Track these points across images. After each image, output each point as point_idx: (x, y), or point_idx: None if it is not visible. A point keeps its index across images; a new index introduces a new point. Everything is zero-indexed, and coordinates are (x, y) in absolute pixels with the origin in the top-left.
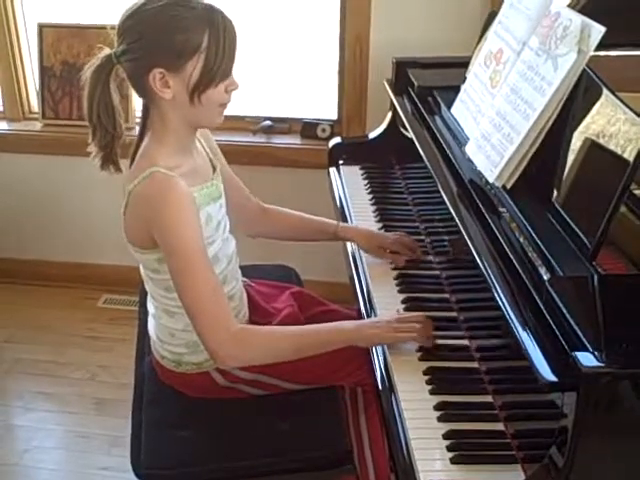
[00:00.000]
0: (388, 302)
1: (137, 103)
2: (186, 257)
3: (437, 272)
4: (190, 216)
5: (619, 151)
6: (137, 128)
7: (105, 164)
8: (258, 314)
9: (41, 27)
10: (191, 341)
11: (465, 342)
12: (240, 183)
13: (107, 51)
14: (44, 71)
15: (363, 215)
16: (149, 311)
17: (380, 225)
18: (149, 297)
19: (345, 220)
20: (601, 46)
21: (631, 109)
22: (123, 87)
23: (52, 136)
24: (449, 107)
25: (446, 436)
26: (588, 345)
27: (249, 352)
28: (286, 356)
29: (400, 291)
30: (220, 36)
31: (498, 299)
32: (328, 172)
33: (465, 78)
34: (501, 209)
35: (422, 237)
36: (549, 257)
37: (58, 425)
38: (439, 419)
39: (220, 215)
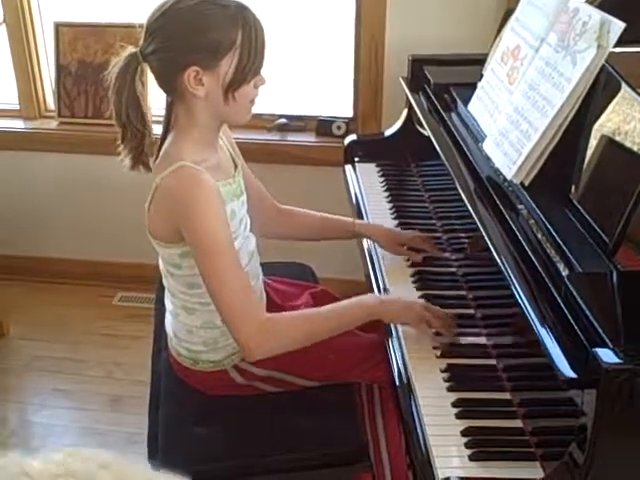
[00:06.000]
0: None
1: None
2: (215, 252)
3: (454, 269)
4: (218, 210)
5: (636, 149)
6: (153, 126)
7: (135, 165)
8: (274, 311)
9: (57, 26)
10: (209, 339)
11: (483, 339)
12: (258, 183)
13: (131, 49)
14: (60, 70)
15: (379, 212)
16: (167, 308)
17: (396, 222)
18: (167, 294)
19: (361, 218)
20: (620, 42)
21: None
22: (145, 85)
23: (68, 134)
24: (466, 104)
25: (464, 433)
26: (608, 341)
27: (277, 340)
28: (312, 338)
29: (417, 288)
30: (253, 33)
31: (517, 296)
32: (344, 169)
33: (482, 75)
34: (519, 206)
35: (439, 234)
36: (568, 253)
37: (74, 422)
38: (457, 416)
39: (242, 212)
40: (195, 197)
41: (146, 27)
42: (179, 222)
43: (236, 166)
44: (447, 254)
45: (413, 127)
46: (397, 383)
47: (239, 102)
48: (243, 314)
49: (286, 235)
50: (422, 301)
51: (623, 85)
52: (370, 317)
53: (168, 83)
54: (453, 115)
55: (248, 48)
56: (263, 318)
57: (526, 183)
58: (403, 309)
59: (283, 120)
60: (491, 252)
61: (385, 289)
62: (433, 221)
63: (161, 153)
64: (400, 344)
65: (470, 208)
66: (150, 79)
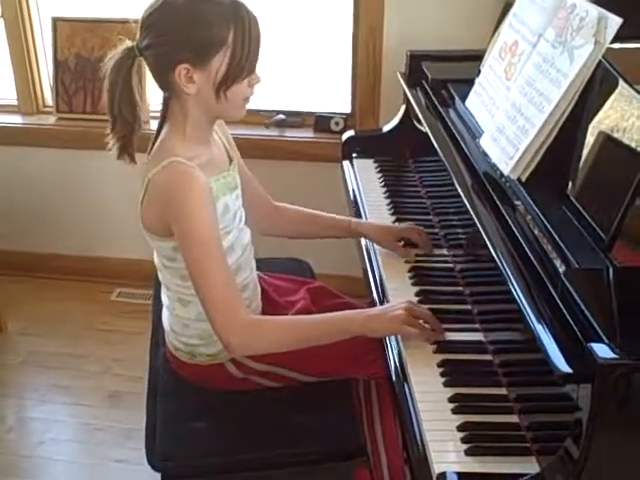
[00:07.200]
0: (402, 295)
1: (151, 97)
2: (201, 247)
3: (451, 265)
4: (207, 207)
5: (634, 145)
6: (151, 122)
7: (122, 154)
8: (271, 307)
9: (55, 21)
10: (205, 332)
11: (479, 334)
12: (254, 180)
13: (128, 43)
14: (58, 65)
15: (377, 208)
16: (163, 302)
17: (394, 218)
18: (162, 288)
19: (359, 213)
20: (618, 38)
21: None
22: (142, 80)
23: (66, 130)
24: (463, 100)
25: (460, 428)
26: (603, 337)
27: (259, 342)
28: (295, 345)
29: (414, 284)
30: (246, 31)
31: (513, 291)
32: (341, 165)
33: (479, 71)
34: (516, 202)
35: (436, 230)
36: (564, 249)
37: (73, 417)
38: (453, 411)
39: (236, 206)
40: (185, 193)
41: (141, 22)
42: (168, 216)
43: (231, 160)
44: (444, 250)
45: (411, 123)
46: (394, 379)
47: (231, 100)
48: (226, 310)
49: (280, 232)
50: (404, 306)
51: (620, 82)
52: (354, 334)
53: (162, 79)
54: (450, 111)
55: (241, 46)
56: (247, 318)
57: (523, 179)
58: (388, 322)
59: (281, 116)
60: (488, 248)
61: (382, 285)
62: (430, 217)
63: (154, 148)
64: (397, 339)
65: (467, 204)
66: (149, 75)
